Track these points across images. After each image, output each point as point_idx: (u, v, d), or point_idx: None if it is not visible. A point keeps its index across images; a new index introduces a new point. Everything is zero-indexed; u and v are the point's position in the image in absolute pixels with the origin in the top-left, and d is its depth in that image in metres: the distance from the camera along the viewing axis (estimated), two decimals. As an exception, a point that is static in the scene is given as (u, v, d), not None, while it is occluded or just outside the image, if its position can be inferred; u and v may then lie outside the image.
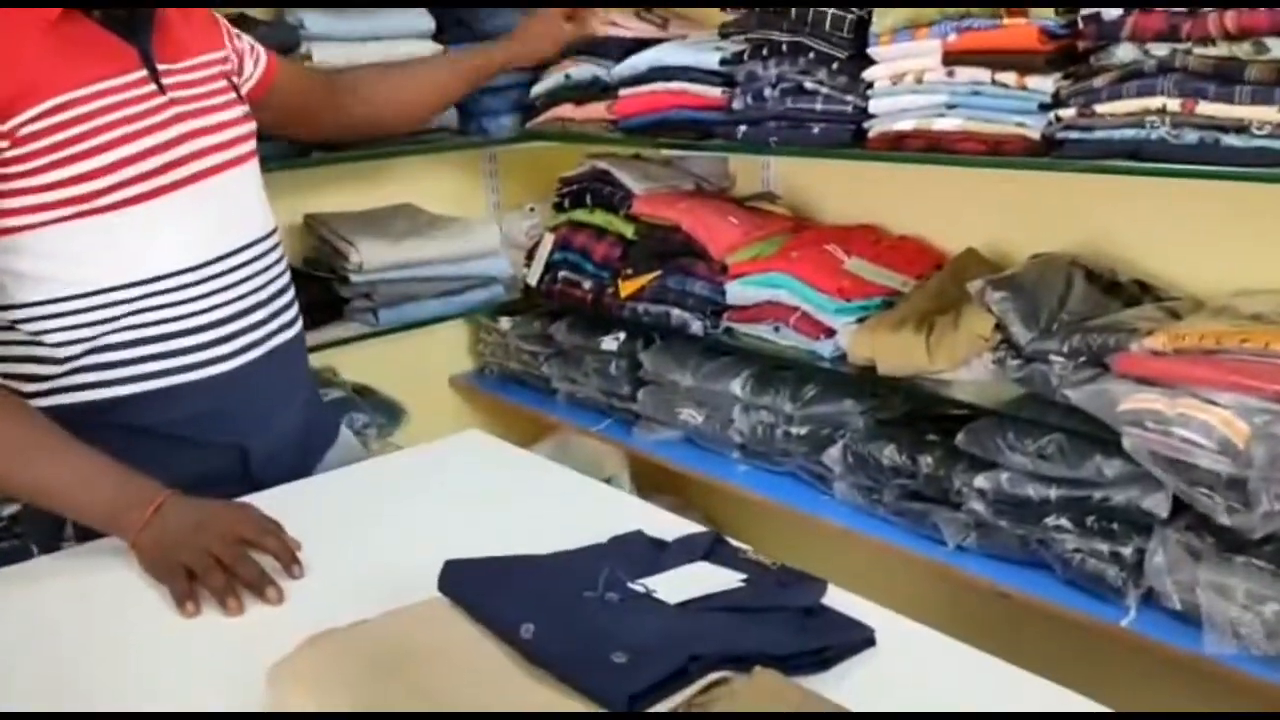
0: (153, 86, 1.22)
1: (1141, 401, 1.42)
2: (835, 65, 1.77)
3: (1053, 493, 1.60)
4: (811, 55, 1.79)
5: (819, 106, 1.81)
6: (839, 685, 0.89)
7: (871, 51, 1.72)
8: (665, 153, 2.46)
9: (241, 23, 1.82)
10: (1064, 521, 1.59)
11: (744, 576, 1.05)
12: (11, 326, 1.23)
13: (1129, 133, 1.43)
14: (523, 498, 1.29)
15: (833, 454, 1.90)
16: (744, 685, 0.85)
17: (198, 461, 1.25)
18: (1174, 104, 1.37)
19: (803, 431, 1.98)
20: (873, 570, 2.04)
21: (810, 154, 1.87)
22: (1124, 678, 1.61)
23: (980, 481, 1.67)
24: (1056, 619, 1.60)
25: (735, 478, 2.10)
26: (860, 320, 1.90)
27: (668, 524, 1.16)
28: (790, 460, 2.01)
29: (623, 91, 2.17)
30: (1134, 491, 1.51)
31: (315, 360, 1.78)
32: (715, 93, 2.00)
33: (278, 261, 1.37)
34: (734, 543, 1.11)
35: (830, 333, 1.92)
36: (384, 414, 2.35)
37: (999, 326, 1.66)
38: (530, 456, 1.48)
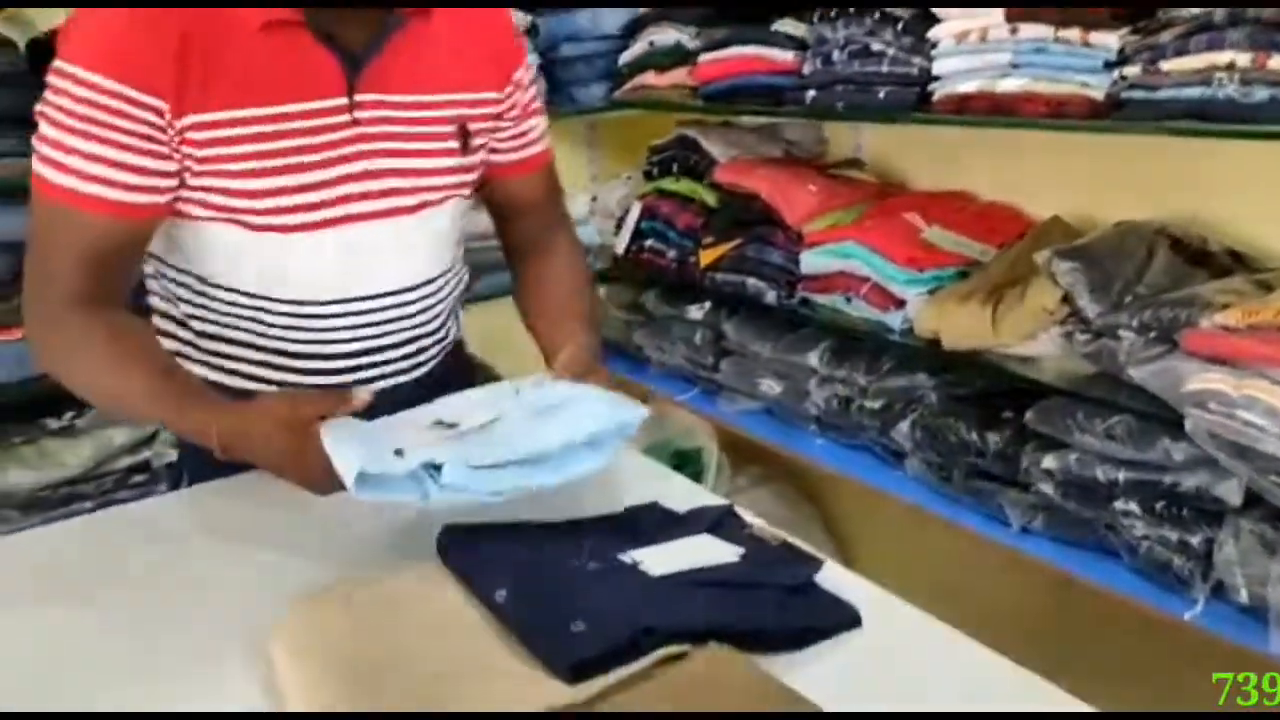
0: (346, 116, 1.10)
1: (1207, 381, 1.33)
2: (900, 25, 1.71)
3: (1121, 475, 1.51)
4: (877, 15, 1.74)
5: (885, 69, 1.76)
6: (811, 666, 0.86)
7: (935, 10, 1.65)
8: (752, 120, 2.42)
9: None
10: (1132, 506, 1.50)
11: (741, 551, 1.04)
12: (158, 275, 1.18)
13: (1194, 91, 1.33)
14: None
15: (903, 429, 1.85)
16: (696, 661, 0.85)
17: None
18: (1244, 59, 1.26)
19: (876, 405, 1.93)
20: (940, 548, 1.98)
21: (875, 118, 1.81)
22: (1186, 670, 1.51)
23: (1049, 461, 1.60)
24: (1120, 607, 1.52)
25: (813, 450, 2.07)
26: (932, 291, 1.83)
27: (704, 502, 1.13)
28: (865, 434, 1.97)
29: (702, 58, 2.15)
30: (1204, 477, 1.42)
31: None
32: (788, 56, 1.95)
33: (428, 308, 1.25)
34: (746, 516, 1.09)
35: (900, 304, 1.85)
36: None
37: (1066, 299, 1.57)
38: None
